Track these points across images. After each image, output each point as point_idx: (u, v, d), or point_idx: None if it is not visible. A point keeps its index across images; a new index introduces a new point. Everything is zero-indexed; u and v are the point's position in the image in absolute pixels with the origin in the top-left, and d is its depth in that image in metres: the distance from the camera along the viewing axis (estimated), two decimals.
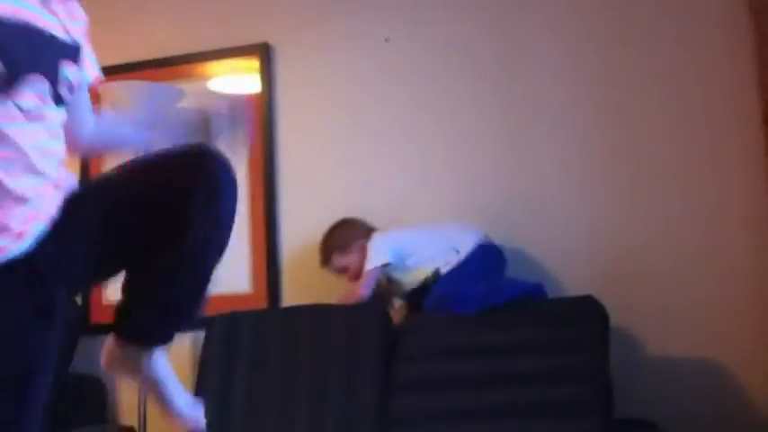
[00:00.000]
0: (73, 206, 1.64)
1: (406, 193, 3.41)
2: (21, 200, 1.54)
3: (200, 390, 3.15)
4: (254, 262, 3.52)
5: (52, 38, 1.60)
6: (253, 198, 3.55)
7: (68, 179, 1.68)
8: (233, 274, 3.50)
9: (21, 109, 1.53)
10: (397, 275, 3.22)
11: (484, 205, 3.31)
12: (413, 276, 3.18)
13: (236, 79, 3.65)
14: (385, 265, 3.18)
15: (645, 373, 3.07)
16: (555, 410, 2.73)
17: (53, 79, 1.59)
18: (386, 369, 3.00)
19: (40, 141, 1.58)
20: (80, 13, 1.73)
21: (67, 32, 1.66)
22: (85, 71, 1.75)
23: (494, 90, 3.37)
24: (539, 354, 2.85)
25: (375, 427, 2.92)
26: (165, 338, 1.75)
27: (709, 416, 2.99)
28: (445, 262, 3.11)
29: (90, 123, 1.85)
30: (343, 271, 3.29)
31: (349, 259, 3.26)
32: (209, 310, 3.36)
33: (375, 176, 3.43)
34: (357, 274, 3.23)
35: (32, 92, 1.55)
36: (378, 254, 3.19)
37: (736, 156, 3.10)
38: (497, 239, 3.18)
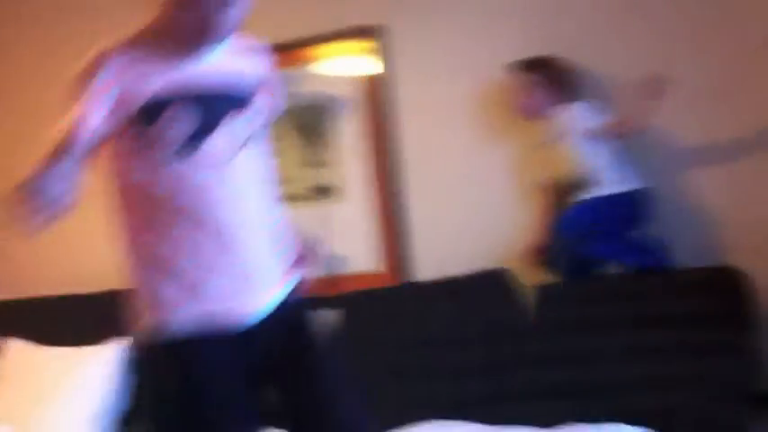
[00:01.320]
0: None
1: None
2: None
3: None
4: (383, 240, 3.53)
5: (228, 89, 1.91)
6: (377, 177, 3.55)
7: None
8: (362, 254, 3.53)
9: (208, 156, 1.84)
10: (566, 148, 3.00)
11: None
12: (572, 160, 2.99)
13: (348, 62, 3.63)
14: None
15: None
16: (694, 382, 2.66)
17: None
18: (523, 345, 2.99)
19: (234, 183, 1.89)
20: (262, 59, 2.04)
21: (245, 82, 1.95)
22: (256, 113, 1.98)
23: None
24: (678, 325, 2.78)
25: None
26: None
27: None
28: (592, 180, 2.96)
29: None
30: (523, 91, 3.07)
31: (538, 94, 3.04)
32: (339, 290, 3.38)
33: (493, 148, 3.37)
34: (526, 109, 3.08)
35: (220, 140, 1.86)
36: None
37: None
38: None
